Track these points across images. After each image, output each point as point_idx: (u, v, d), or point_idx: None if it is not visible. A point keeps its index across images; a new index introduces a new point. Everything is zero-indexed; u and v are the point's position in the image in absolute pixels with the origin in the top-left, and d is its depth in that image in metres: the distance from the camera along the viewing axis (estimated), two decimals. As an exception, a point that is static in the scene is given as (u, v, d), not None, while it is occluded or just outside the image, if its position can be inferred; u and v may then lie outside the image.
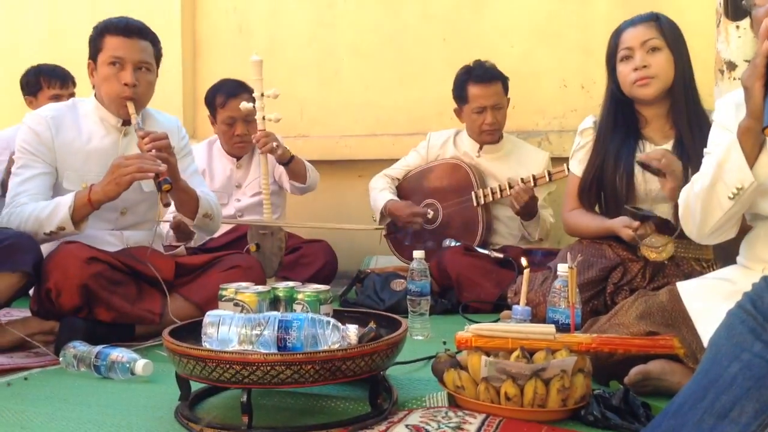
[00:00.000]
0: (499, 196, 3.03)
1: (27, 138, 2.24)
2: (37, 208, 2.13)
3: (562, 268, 1.77)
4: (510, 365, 1.39)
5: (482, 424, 1.35)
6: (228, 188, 3.33)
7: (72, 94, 3.28)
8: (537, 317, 1.97)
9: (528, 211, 2.95)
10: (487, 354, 1.43)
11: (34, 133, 2.24)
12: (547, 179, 2.92)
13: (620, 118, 2.23)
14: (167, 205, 2.16)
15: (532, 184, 2.95)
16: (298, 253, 3.12)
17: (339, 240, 3.40)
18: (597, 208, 2.33)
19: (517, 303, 1.81)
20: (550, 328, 1.49)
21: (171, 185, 2.10)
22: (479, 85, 3.06)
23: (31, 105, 3.27)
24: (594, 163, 2.25)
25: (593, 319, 1.78)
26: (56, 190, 2.25)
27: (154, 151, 2.13)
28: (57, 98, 3.16)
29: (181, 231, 2.82)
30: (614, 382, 1.58)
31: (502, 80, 3.10)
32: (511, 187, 2.97)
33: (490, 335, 1.46)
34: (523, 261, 1.84)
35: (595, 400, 1.40)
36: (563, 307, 1.74)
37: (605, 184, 2.24)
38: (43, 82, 3.29)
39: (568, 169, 2.48)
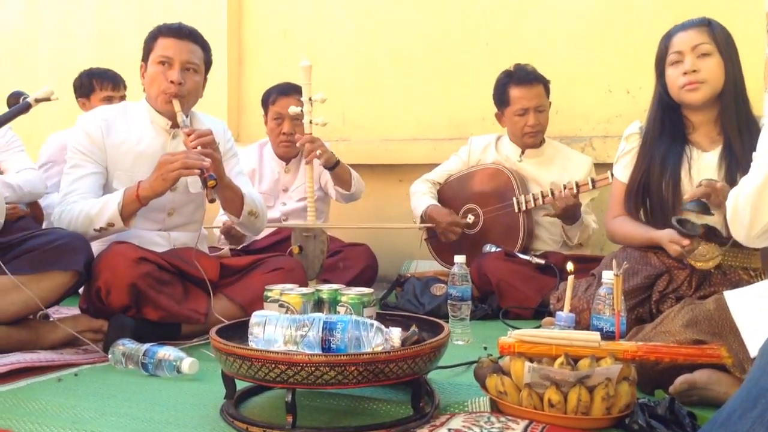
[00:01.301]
0: (541, 202, 2.99)
1: (79, 139, 2.31)
2: (87, 206, 2.19)
3: (607, 276, 1.76)
4: (554, 372, 1.38)
5: (525, 430, 1.34)
6: (275, 191, 3.36)
7: (123, 97, 3.37)
8: (580, 324, 1.96)
9: (570, 214, 2.93)
10: (531, 360, 1.43)
11: (86, 134, 2.31)
12: (591, 186, 2.88)
13: (667, 123, 2.20)
14: (212, 201, 2.15)
15: (575, 190, 2.91)
16: (339, 256, 3.14)
17: (379, 244, 3.42)
18: (642, 214, 2.30)
19: (561, 309, 1.80)
20: (595, 336, 1.48)
21: (216, 181, 2.11)
22: (521, 87, 3.04)
23: (84, 107, 3.37)
24: (640, 169, 2.22)
25: (638, 327, 1.76)
26: (106, 190, 2.31)
27: (199, 147, 2.16)
28: (109, 100, 3.25)
29: (231, 236, 2.91)
30: (659, 391, 1.56)
31: (544, 83, 3.08)
32: (553, 194, 2.94)
33: (534, 341, 1.45)
34: (570, 266, 1.83)
35: (639, 409, 1.38)
36: (608, 315, 1.73)
37: (651, 190, 2.21)
38: (96, 84, 3.38)
39: (612, 174, 2.45)
